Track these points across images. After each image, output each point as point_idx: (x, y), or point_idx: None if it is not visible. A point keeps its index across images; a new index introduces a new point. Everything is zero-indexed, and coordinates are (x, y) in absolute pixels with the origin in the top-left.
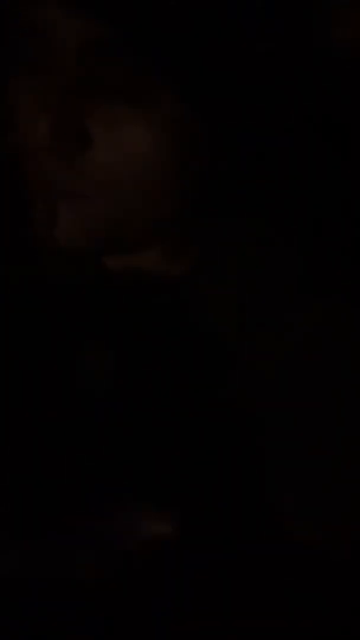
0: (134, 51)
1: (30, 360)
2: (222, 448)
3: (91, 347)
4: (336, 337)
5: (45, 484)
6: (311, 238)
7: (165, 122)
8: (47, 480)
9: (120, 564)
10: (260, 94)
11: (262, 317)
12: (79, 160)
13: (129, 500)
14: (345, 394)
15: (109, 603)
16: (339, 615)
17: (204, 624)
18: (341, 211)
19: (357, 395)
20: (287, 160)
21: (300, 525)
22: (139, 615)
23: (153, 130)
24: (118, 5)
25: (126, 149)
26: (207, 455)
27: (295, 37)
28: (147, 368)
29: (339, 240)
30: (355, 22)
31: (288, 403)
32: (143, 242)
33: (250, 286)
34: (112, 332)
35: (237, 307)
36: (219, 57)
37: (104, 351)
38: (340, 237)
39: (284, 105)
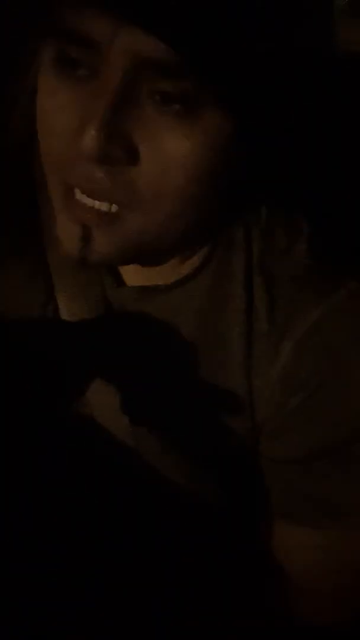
0: (181, 65)
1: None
2: None
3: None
4: None
5: None
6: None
7: (209, 137)
8: None
9: None
10: (300, 108)
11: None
12: (122, 172)
13: None
14: None
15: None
16: None
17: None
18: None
19: None
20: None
21: None
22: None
23: (196, 144)
24: (167, 20)
25: (170, 163)
26: None
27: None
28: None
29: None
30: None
31: None
32: (166, 252)
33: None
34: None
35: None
36: (263, 69)
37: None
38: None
39: (323, 119)
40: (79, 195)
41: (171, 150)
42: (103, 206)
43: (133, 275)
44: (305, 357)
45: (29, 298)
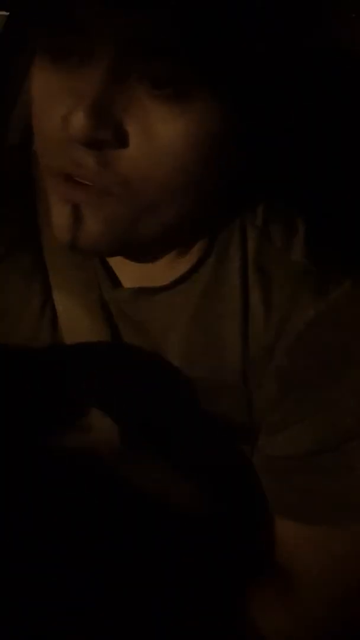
0: (170, 48)
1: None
2: None
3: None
4: None
5: None
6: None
7: (200, 123)
8: None
9: None
10: (295, 93)
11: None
12: (111, 157)
13: None
14: None
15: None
16: None
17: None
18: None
19: None
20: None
21: None
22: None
23: (185, 129)
24: (157, 4)
25: (159, 149)
26: None
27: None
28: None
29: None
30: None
31: None
32: (158, 244)
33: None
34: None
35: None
36: (255, 54)
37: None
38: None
39: (318, 105)
40: (69, 179)
41: (161, 135)
42: (93, 188)
43: (129, 276)
44: (301, 356)
45: (26, 298)
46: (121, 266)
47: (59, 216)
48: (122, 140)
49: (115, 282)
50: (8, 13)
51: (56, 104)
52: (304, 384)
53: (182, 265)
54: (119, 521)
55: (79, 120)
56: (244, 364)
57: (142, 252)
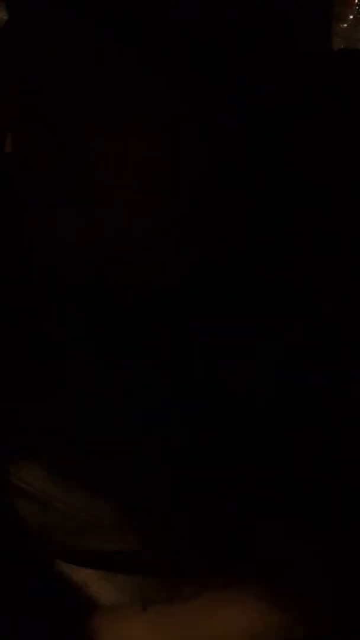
0: (134, 57)
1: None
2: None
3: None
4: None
5: None
6: (312, 245)
7: (166, 126)
8: None
9: None
10: (264, 98)
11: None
12: (80, 168)
13: None
14: None
15: None
16: None
17: None
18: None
19: None
20: (287, 167)
21: None
22: None
23: (154, 135)
24: (115, 11)
25: (128, 155)
26: None
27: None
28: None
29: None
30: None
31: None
32: (143, 249)
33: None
34: (113, 343)
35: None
36: (222, 59)
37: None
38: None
39: (285, 109)
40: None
41: (133, 144)
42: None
43: (122, 279)
44: (304, 357)
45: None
46: (115, 271)
47: (36, 230)
48: (90, 154)
49: (118, 281)
50: None
51: (15, 120)
52: (303, 393)
53: (178, 268)
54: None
55: (42, 140)
56: (247, 366)
57: (129, 259)
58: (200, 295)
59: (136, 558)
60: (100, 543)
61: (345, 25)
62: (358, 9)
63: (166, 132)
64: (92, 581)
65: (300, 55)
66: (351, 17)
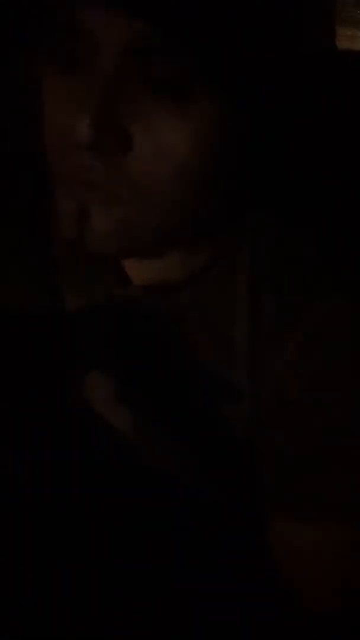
0: (173, 50)
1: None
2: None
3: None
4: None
5: None
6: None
7: (203, 122)
8: None
9: None
10: (298, 96)
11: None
12: (118, 160)
13: None
14: None
15: None
16: None
17: None
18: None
19: None
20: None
21: None
22: None
23: (189, 131)
24: (157, 6)
25: (164, 149)
26: None
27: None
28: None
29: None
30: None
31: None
32: (167, 244)
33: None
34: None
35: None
36: (258, 55)
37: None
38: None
39: (321, 108)
40: (77, 181)
41: (164, 137)
42: (101, 190)
43: (139, 274)
44: (307, 357)
45: (34, 296)
46: (131, 264)
47: (66, 216)
48: (126, 144)
49: (125, 280)
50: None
51: (63, 111)
52: (315, 379)
53: (193, 265)
54: (119, 513)
55: (84, 125)
56: (252, 364)
57: (151, 252)
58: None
59: None
60: None
61: None
62: None
63: (201, 130)
64: None
65: (301, 55)
66: None
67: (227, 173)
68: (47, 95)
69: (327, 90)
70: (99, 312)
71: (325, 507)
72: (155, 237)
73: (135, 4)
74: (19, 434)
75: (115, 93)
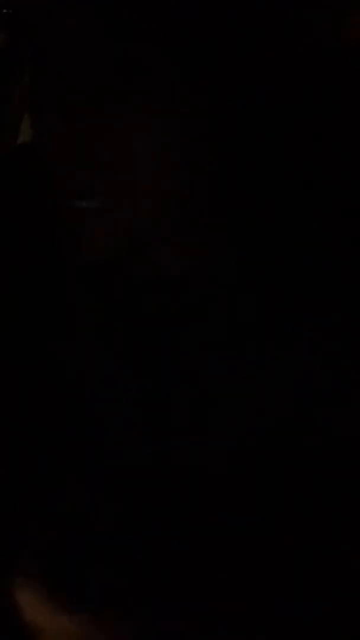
0: (154, 55)
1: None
2: None
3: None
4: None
5: None
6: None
7: (184, 123)
8: None
9: None
10: (275, 93)
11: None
12: (103, 166)
13: None
14: None
15: None
16: None
17: None
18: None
19: None
20: (296, 163)
21: None
22: None
23: (172, 131)
24: (136, 13)
25: (146, 146)
26: None
27: (299, 36)
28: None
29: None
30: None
31: None
32: (162, 240)
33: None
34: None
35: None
36: (237, 56)
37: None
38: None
39: (297, 105)
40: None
41: (150, 140)
42: (90, 203)
43: (150, 267)
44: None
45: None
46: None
47: (65, 224)
48: (113, 153)
49: (126, 274)
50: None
51: (40, 118)
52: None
53: (192, 259)
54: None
55: (64, 138)
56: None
57: (145, 249)
58: (218, 288)
59: None
60: None
61: None
62: None
63: (181, 126)
64: None
65: (301, 55)
66: None
67: (212, 169)
68: (32, 105)
69: (321, 87)
70: (105, 308)
71: None
72: (147, 235)
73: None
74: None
75: (95, 101)
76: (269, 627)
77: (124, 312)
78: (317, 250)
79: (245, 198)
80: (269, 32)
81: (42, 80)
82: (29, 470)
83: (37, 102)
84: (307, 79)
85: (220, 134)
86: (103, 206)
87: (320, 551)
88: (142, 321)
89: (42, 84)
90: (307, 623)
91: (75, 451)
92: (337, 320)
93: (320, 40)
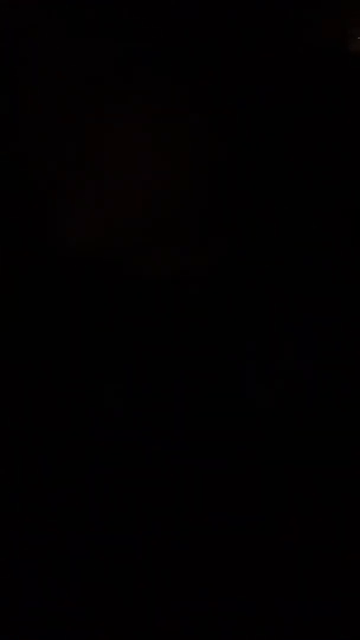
0: (143, 56)
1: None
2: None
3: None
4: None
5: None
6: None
7: (171, 122)
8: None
9: None
10: (268, 96)
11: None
12: (90, 163)
13: None
14: None
15: None
16: None
17: None
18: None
19: None
20: (293, 166)
21: None
22: None
23: (160, 131)
24: (125, 16)
25: (134, 151)
26: None
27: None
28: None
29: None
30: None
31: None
32: (153, 241)
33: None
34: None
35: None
36: (227, 59)
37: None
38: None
39: (297, 105)
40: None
41: (133, 139)
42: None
43: (142, 268)
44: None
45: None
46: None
47: (50, 220)
48: (99, 150)
49: (127, 273)
50: None
51: (28, 116)
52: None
53: (193, 259)
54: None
55: (52, 135)
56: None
57: (142, 248)
58: (212, 288)
59: None
60: None
61: None
62: None
63: (171, 126)
64: None
65: (301, 55)
66: None
67: (203, 169)
68: (19, 103)
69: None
70: (96, 309)
71: None
72: (137, 236)
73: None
74: None
75: (83, 99)
76: (269, 627)
77: (124, 311)
78: (316, 250)
79: (245, 198)
80: (269, 32)
81: (41, 79)
82: (29, 470)
83: (35, 102)
84: (307, 79)
85: (220, 134)
86: (100, 204)
87: (320, 551)
88: (142, 320)
89: (40, 83)
90: (307, 623)
91: (75, 449)
92: (336, 319)
93: (320, 40)
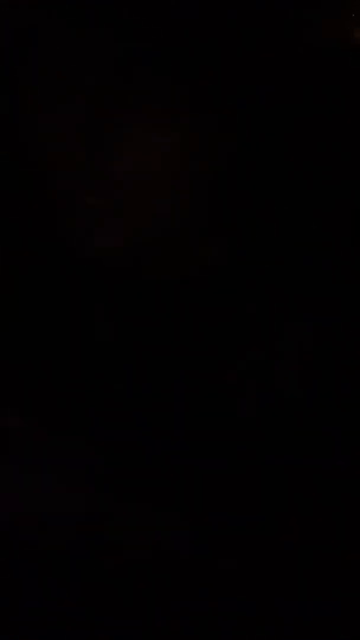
0: (161, 67)
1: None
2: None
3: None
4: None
5: None
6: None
7: (171, 122)
8: None
9: None
10: (268, 95)
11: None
12: (111, 172)
13: None
14: None
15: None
16: None
17: None
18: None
19: None
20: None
21: None
22: None
23: (159, 131)
24: (139, 23)
25: (134, 151)
26: None
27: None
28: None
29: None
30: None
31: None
32: (173, 242)
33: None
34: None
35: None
36: (228, 59)
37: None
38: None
39: (297, 105)
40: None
41: (153, 147)
42: (99, 203)
43: (164, 268)
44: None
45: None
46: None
47: (77, 228)
48: (120, 158)
49: (130, 272)
50: None
51: (49, 127)
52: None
53: (192, 264)
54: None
55: (75, 144)
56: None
57: (150, 249)
58: (218, 287)
59: None
60: None
61: None
62: None
63: (171, 126)
64: None
65: (301, 55)
66: None
67: (219, 176)
68: (41, 115)
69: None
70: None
71: None
72: (158, 237)
73: (115, 22)
74: None
75: (104, 108)
76: (269, 627)
77: (127, 310)
78: (316, 250)
79: (246, 198)
80: (269, 32)
81: (42, 80)
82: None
83: (37, 103)
84: (307, 79)
85: (220, 134)
86: (105, 206)
87: (320, 551)
88: (144, 319)
89: (42, 84)
90: (307, 623)
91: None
92: (335, 318)
93: (320, 40)
